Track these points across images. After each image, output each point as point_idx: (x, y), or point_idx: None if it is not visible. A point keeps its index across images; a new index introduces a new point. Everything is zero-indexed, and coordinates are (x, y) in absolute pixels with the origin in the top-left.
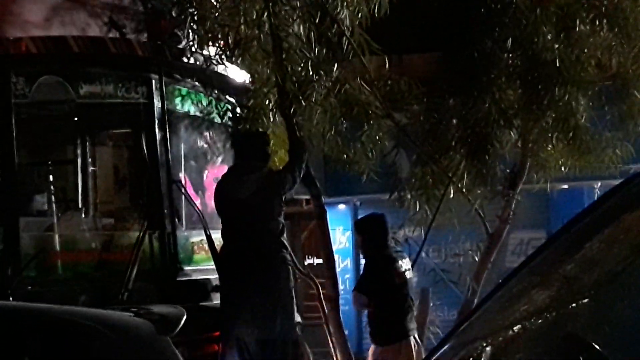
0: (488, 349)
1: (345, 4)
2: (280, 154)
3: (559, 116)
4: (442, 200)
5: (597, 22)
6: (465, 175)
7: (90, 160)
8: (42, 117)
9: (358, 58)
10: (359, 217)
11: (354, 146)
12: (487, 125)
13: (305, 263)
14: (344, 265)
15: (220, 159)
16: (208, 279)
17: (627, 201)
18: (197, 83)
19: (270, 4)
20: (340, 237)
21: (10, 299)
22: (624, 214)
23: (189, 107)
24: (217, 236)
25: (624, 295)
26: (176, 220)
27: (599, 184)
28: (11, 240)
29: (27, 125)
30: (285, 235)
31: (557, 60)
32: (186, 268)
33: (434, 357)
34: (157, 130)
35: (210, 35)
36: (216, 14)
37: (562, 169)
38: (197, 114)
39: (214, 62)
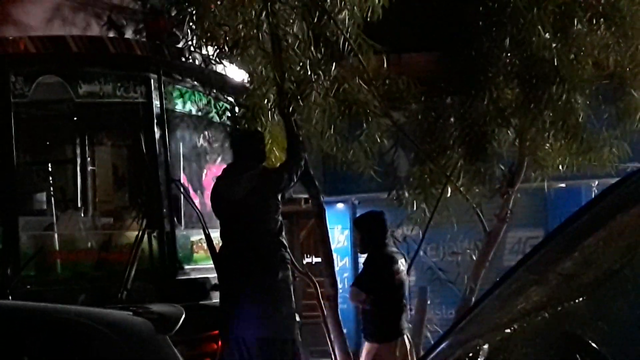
0: (485, 347)
1: (344, 3)
2: (279, 154)
3: (557, 115)
4: (440, 199)
5: (595, 21)
6: (463, 174)
7: (89, 159)
8: (41, 116)
9: (356, 57)
10: (369, 211)
11: (353, 145)
12: (485, 124)
13: (304, 262)
14: (342, 264)
15: (219, 158)
16: (207, 278)
17: (624, 199)
18: (195, 82)
19: (269, 4)
20: (339, 236)
21: (10, 298)
22: (621, 212)
23: (188, 107)
24: (216, 235)
25: (622, 293)
26: (175, 219)
27: (596, 182)
28: (10, 239)
29: (26, 125)
30: (283, 234)
31: (555, 59)
32: (185, 267)
33: (431, 355)
34: (155, 129)
35: (209, 34)
36: (215, 14)
37: (560, 167)
38: (196, 113)
39: (213, 61)
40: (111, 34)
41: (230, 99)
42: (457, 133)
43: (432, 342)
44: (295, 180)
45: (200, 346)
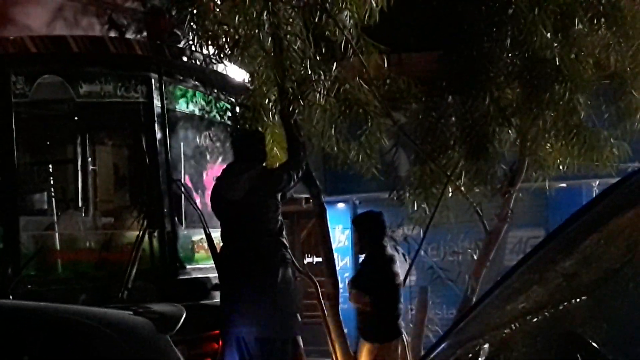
0: (486, 346)
1: (344, 4)
2: (280, 154)
3: (558, 115)
4: (441, 199)
5: (595, 21)
6: (464, 174)
7: (90, 159)
8: (42, 116)
9: (357, 57)
10: (367, 211)
11: (354, 145)
12: (485, 124)
13: (305, 262)
14: (343, 263)
15: (219, 158)
16: (208, 278)
17: (624, 199)
18: (196, 82)
19: (270, 3)
20: (340, 236)
21: (10, 298)
22: (622, 211)
23: (189, 107)
24: (216, 235)
25: (622, 292)
26: (176, 219)
27: (597, 182)
28: (11, 239)
29: (27, 125)
30: (284, 234)
31: (557, 59)
32: (186, 267)
33: (432, 355)
34: (156, 129)
35: (209, 34)
36: (215, 13)
37: (561, 167)
38: (197, 113)
39: (214, 61)
40: (112, 34)
41: (231, 98)
42: (458, 133)
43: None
44: (295, 180)
45: (200, 346)
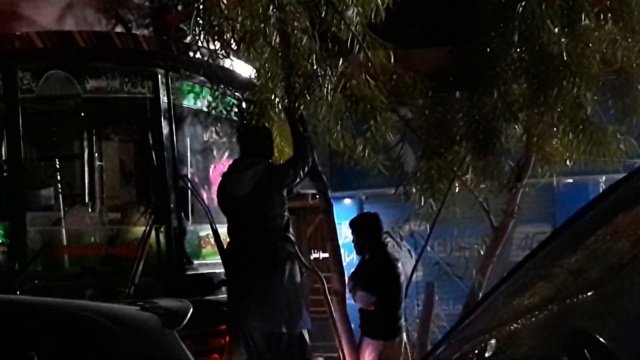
0: (493, 341)
1: (350, 1)
2: (287, 149)
3: (565, 110)
4: (448, 195)
5: (602, 17)
6: (471, 170)
7: (96, 154)
8: (48, 112)
9: (363, 53)
10: (363, 212)
11: (360, 141)
12: (492, 119)
13: (311, 257)
14: (349, 259)
15: (226, 153)
16: (214, 273)
17: (631, 194)
18: (203, 78)
19: None
20: (346, 232)
21: (17, 293)
22: (628, 207)
23: (195, 102)
24: (223, 230)
25: (629, 288)
26: (182, 214)
27: (604, 178)
28: (18, 234)
29: (34, 120)
30: (290, 229)
31: (564, 54)
32: (192, 262)
33: (439, 350)
34: (163, 124)
35: (216, 29)
36: (222, 8)
37: (567, 163)
38: (203, 108)
39: (220, 56)
40: (118, 29)
41: (237, 94)
42: (465, 128)
43: (440, 337)
44: (301, 176)
45: (207, 341)
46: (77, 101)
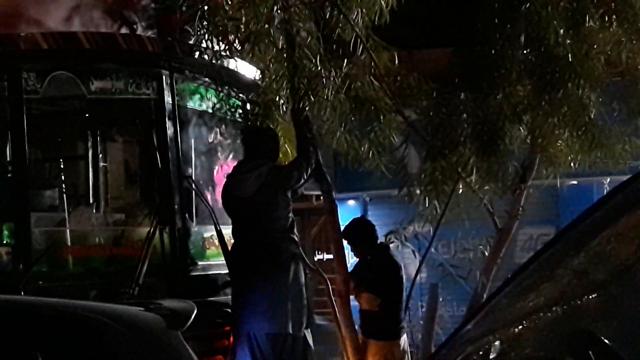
0: (497, 343)
1: (355, 3)
2: (291, 150)
3: (570, 111)
4: (452, 196)
5: (607, 18)
6: (475, 171)
7: (101, 155)
8: (53, 112)
9: (368, 54)
10: (353, 219)
11: (364, 142)
12: (497, 120)
13: (315, 258)
14: (353, 260)
15: (230, 155)
16: (218, 274)
17: (635, 196)
18: (207, 79)
19: None
20: None
21: (22, 293)
22: (633, 209)
23: (200, 103)
24: (227, 231)
25: (633, 289)
26: (187, 215)
27: (608, 179)
28: (23, 235)
29: (39, 121)
30: (295, 230)
31: (570, 56)
32: (196, 263)
33: (443, 352)
34: (167, 126)
35: (220, 29)
36: (226, 9)
37: (572, 164)
38: (208, 109)
39: (225, 56)
40: (123, 31)
41: (241, 95)
42: (469, 129)
43: (444, 338)
44: (305, 177)
45: (211, 342)
46: (81, 102)
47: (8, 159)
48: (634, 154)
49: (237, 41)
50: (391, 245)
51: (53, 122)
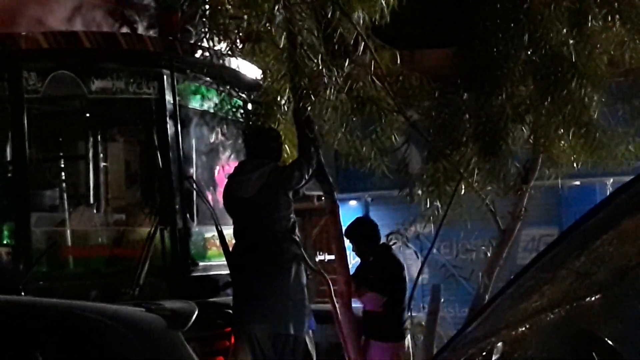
0: (499, 344)
1: (358, 2)
2: (292, 151)
3: (573, 112)
4: (454, 196)
5: (610, 18)
6: (477, 171)
7: (101, 155)
8: (53, 112)
9: (370, 54)
10: (356, 218)
11: (365, 142)
12: (499, 121)
13: (317, 259)
14: (355, 261)
15: (232, 155)
16: (219, 275)
17: (638, 197)
18: (208, 78)
19: None
20: None
21: (22, 293)
22: (636, 209)
23: (201, 103)
24: (228, 232)
25: (636, 290)
26: (188, 216)
27: (611, 180)
28: (23, 235)
29: (39, 121)
30: (296, 231)
31: (573, 56)
32: (197, 264)
33: (445, 353)
34: (168, 125)
35: (222, 28)
36: (227, 8)
37: (574, 165)
38: (209, 109)
39: (226, 56)
40: (124, 30)
41: (243, 95)
42: (471, 130)
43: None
44: (306, 177)
45: (213, 343)
46: (82, 102)
47: (8, 158)
48: (637, 154)
49: (238, 41)
50: (393, 246)
51: (54, 121)
